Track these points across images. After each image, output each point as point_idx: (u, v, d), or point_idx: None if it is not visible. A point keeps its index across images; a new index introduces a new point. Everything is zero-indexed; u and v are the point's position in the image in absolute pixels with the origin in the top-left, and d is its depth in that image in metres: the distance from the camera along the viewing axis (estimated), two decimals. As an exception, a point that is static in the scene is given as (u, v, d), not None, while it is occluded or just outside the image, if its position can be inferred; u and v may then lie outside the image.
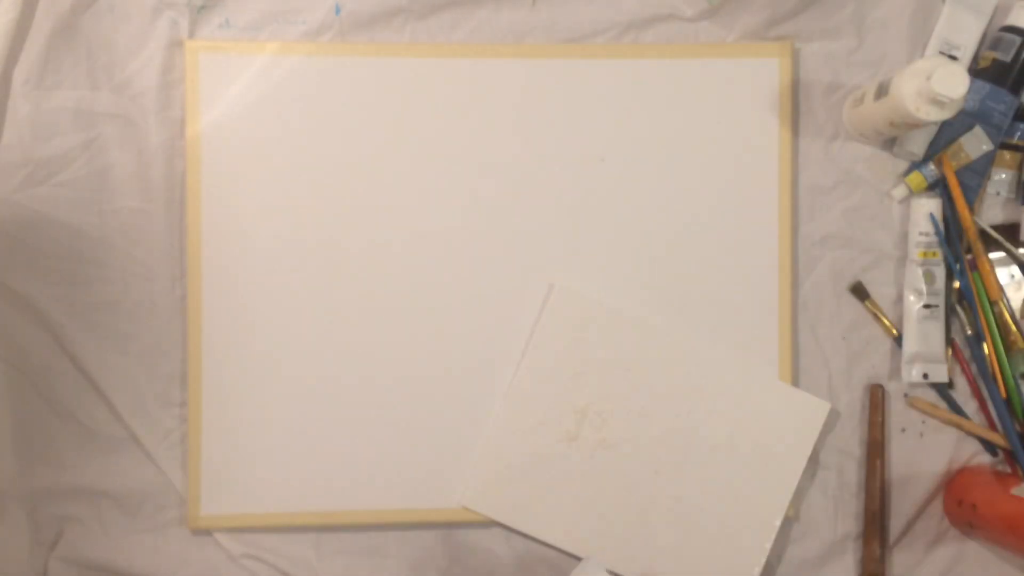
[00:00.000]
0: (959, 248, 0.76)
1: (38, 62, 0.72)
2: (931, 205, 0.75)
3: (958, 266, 0.75)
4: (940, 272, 0.76)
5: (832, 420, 0.77)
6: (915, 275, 0.75)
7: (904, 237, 0.77)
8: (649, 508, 0.75)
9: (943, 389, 0.77)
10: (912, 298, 0.76)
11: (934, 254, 0.75)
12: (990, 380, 0.76)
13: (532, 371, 0.74)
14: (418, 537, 0.76)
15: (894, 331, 0.77)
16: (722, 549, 0.74)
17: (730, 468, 0.75)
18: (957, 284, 0.76)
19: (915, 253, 0.76)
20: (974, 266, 0.76)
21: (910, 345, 0.76)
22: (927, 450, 0.77)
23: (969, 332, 0.76)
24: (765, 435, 0.75)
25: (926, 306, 0.75)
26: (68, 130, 0.73)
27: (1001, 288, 0.76)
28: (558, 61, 0.75)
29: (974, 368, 0.77)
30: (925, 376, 0.76)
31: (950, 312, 0.77)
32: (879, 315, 0.77)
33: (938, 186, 0.76)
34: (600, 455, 0.74)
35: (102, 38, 0.73)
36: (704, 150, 0.76)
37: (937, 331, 0.76)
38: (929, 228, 0.75)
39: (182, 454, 0.74)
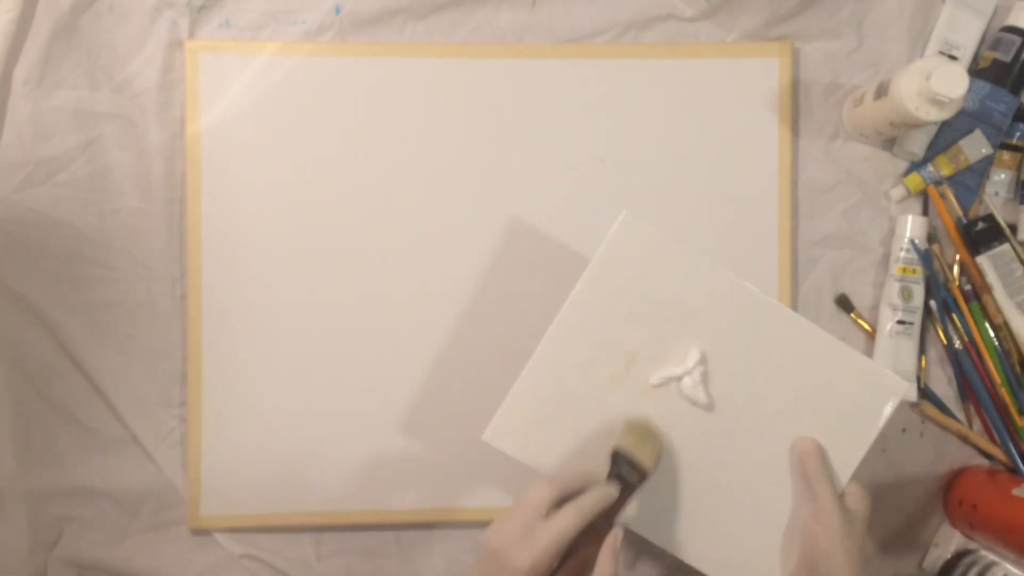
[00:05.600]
0: (947, 296, 0.75)
1: (38, 62, 0.72)
2: (917, 224, 0.75)
3: (951, 317, 0.75)
4: (919, 290, 0.75)
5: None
6: (892, 290, 0.75)
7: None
8: (688, 471, 0.66)
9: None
10: (887, 313, 0.75)
11: (914, 271, 0.74)
12: (999, 423, 0.76)
13: (581, 306, 0.66)
14: (418, 537, 0.76)
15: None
16: (760, 530, 0.66)
17: (786, 438, 0.66)
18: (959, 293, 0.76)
19: (894, 268, 0.75)
20: (970, 297, 0.76)
21: (879, 360, 0.75)
22: (927, 450, 0.77)
23: (957, 344, 0.76)
24: (832, 407, 0.66)
25: (900, 322, 0.74)
26: (68, 130, 0.73)
27: (1001, 311, 0.75)
28: (558, 61, 0.75)
29: (988, 415, 0.76)
30: None
31: (925, 331, 0.76)
32: (864, 326, 0.76)
33: (937, 186, 0.76)
34: (644, 404, 0.66)
35: (102, 38, 0.73)
36: (704, 150, 0.76)
37: (909, 348, 0.75)
38: (911, 246, 0.74)
39: (182, 454, 0.74)
